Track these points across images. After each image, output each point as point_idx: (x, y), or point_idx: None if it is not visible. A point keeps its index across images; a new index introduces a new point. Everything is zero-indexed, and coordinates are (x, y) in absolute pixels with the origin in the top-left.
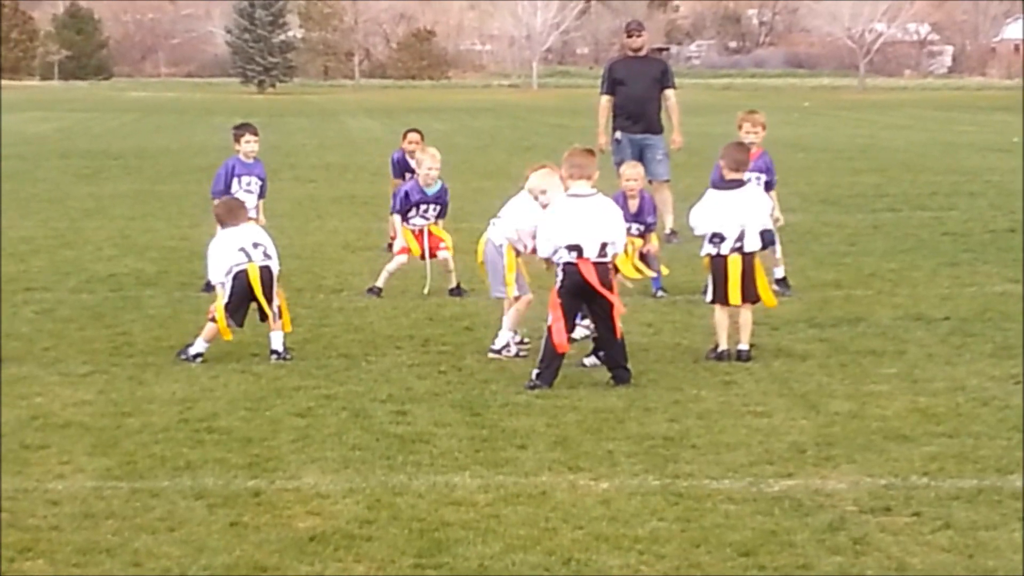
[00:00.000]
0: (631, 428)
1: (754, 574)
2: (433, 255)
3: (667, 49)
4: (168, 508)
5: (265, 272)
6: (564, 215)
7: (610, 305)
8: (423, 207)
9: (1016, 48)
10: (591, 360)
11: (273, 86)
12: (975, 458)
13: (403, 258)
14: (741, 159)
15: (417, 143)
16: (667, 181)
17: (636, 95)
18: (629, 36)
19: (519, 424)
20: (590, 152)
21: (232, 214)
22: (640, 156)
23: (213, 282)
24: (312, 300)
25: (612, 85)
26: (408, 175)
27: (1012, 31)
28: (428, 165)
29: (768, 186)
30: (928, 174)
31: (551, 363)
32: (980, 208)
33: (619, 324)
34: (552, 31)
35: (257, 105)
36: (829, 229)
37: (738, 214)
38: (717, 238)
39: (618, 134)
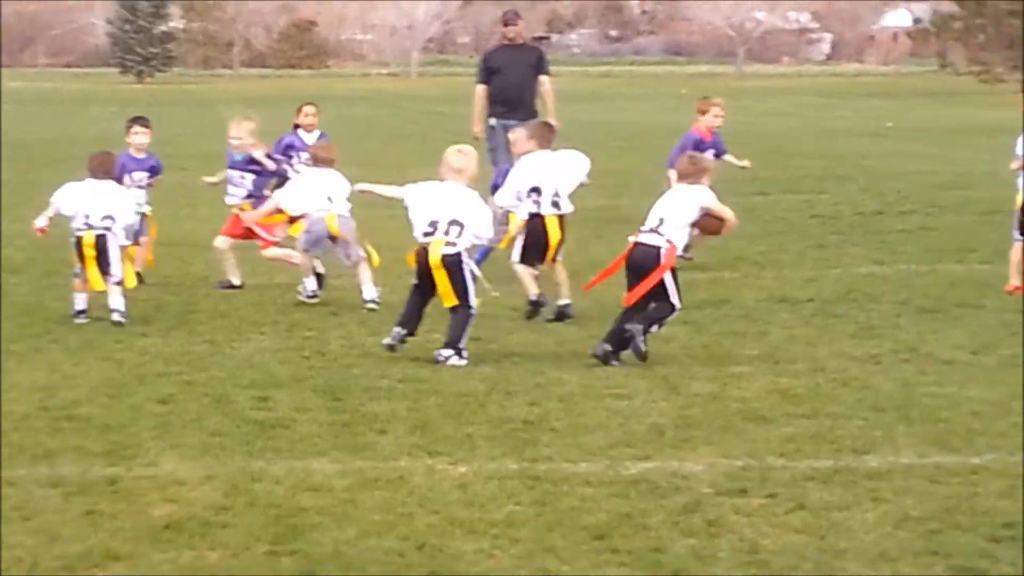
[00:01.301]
0: (491, 411)
1: (607, 557)
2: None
3: (548, 38)
4: (23, 497)
5: (100, 240)
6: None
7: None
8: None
9: (894, 36)
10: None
11: (152, 76)
12: (832, 438)
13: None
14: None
15: (314, 115)
16: None
17: (512, 83)
18: (506, 25)
19: (380, 409)
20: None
21: (104, 167)
22: None
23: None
24: (179, 287)
25: (488, 74)
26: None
27: (891, 19)
28: (233, 133)
29: (718, 155)
30: (801, 159)
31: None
32: (850, 192)
33: None
34: (434, 21)
35: (135, 95)
36: None
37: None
38: (535, 193)
39: (493, 121)
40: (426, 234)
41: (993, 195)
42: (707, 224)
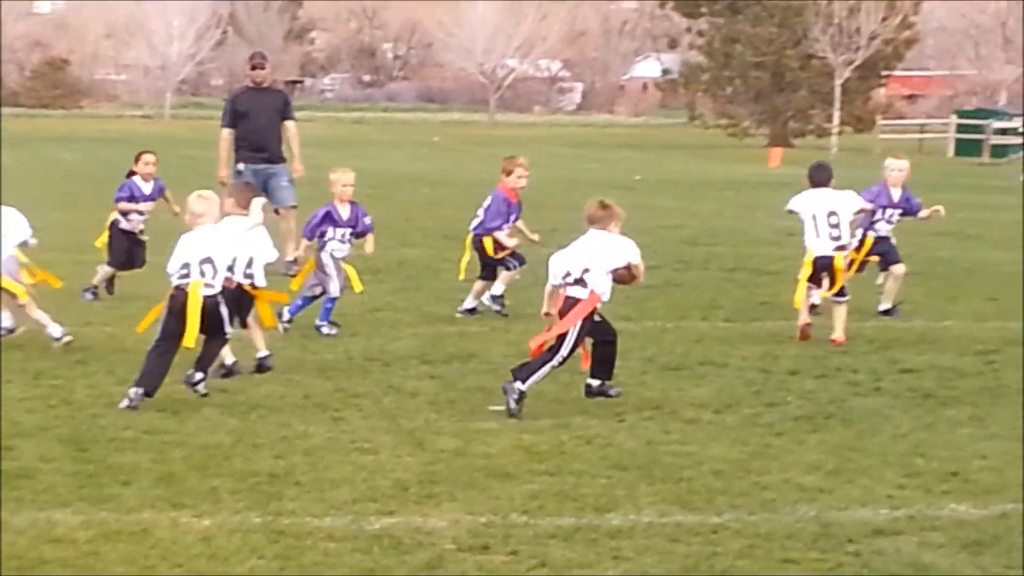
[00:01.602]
0: (237, 464)
1: None
2: None
3: (301, 82)
4: None
5: None
6: None
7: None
8: None
9: (644, 86)
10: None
11: None
12: (575, 496)
13: None
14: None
15: (153, 164)
16: (294, 208)
17: (258, 127)
18: (253, 69)
19: (125, 460)
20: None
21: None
22: (264, 186)
23: None
24: None
25: (234, 117)
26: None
27: (641, 69)
28: None
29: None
30: (551, 210)
31: None
32: None
33: None
34: (187, 62)
35: None
36: (448, 264)
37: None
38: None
39: (240, 165)
40: (182, 276)
41: (739, 251)
42: (621, 275)
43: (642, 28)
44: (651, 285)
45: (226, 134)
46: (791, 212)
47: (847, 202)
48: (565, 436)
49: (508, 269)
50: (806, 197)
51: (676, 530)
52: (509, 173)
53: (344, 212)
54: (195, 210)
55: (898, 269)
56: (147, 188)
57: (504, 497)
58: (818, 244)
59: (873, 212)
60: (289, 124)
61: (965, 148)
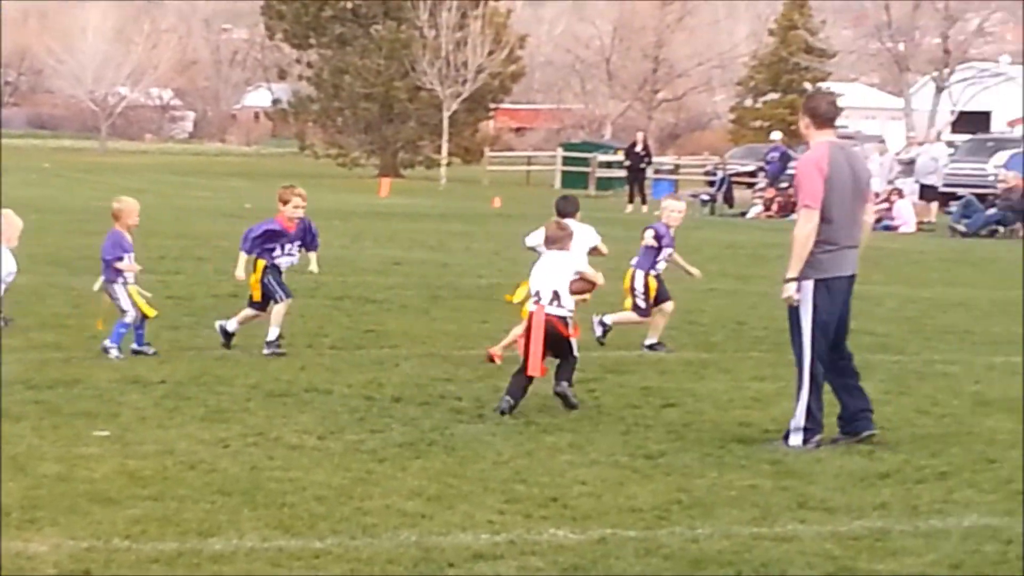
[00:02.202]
0: None
1: None
2: None
3: None
4: None
5: None
6: None
7: None
8: None
9: (256, 116)
10: None
11: None
12: (178, 521)
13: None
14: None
15: None
16: None
17: None
18: None
19: None
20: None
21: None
22: None
23: None
24: None
25: None
26: None
27: (252, 99)
28: None
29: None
30: (160, 238)
31: None
32: (205, 272)
33: None
34: None
35: None
36: (55, 291)
37: None
38: None
39: None
40: None
41: (346, 280)
42: (577, 287)
43: (253, 58)
44: None
45: None
46: (531, 248)
47: (585, 236)
48: (169, 461)
49: (276, 301)
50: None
51: (278, 555)
52: (286, 203)
53: None
54: None
55: (668, 306)
56: None
57: (107, 522)
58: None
59: (658, 251)
60: None
61: (571, 180)
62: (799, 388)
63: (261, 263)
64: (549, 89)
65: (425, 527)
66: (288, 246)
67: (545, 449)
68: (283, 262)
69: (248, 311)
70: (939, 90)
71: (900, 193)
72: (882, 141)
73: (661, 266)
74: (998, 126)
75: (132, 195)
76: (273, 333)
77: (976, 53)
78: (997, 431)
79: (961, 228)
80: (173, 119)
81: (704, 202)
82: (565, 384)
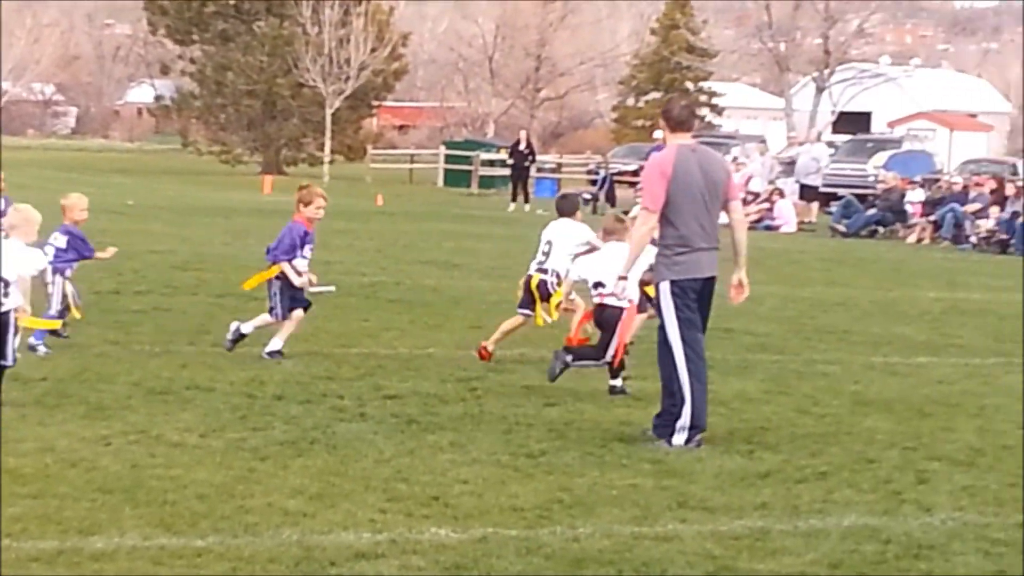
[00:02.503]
0: None
1: None
2: None
3: None
4: None
5: None
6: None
7: None
8: None
9: (139, 112)
10: None
11: None
12: (58, 519)
13: None
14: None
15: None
16: None
17: None
18: None
19: None
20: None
21: None
22: None
23: None
24: None
25: None
26: None
27: (136, 94)
28: None
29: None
30: (42, 234)
31: None
32: (87, 269)
33: None
34: None
35: None
36: None
37: None
38: None
39: None
40: None
41: (227, 277)
42: (648, 279)
43: (136, 54)
44: (139, 310)
45: None
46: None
47: (575, 233)
48: (50, 459)
49: (270, 312)
50: (549, 227)
51: (160, 553)
52: (308, 203)
53: None
54: None
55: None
56: None
57: None
58: (532, 265)
59: None
60: None
61: (454, 178)
62: (681, 390)
63: (277, 268)
64: (432, 87)
65: (307, 526)
66: (307, 247)
67: (427, 448)
68: (301, 264)
69: (266, 316)
70: (820, 90)
71: (781, 193)
72: (763, 141)
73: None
74: (879, 127)
75: (15, 191)
76: (247, 328)
77: (856, 54)
78: (876, 431)
79: (841, 228)
80: (56, 115)
81: (587, 201)
82: (570, 358)
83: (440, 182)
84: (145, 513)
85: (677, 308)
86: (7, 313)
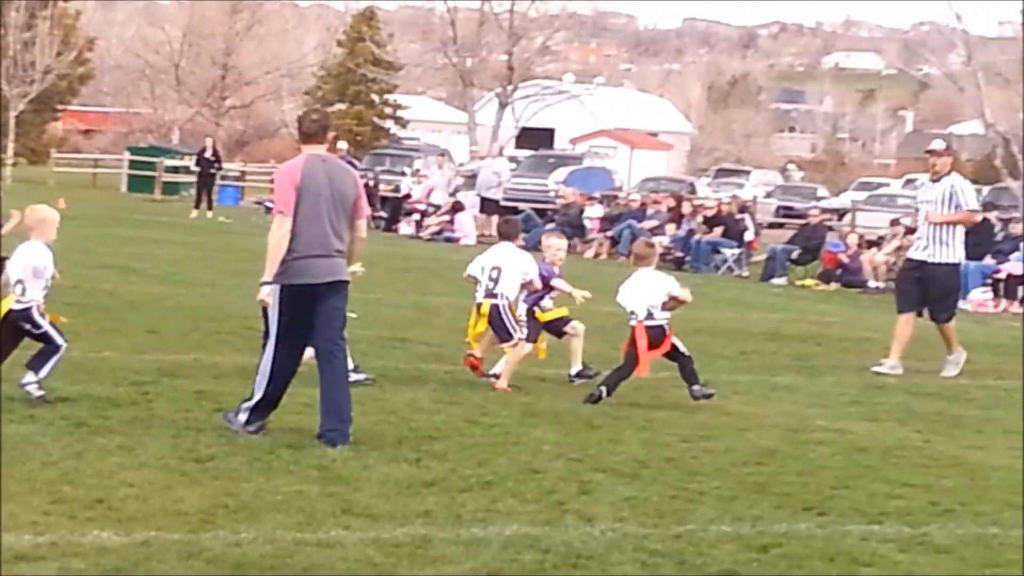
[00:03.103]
0: None
1: None
2: None
3: None
4: None
5: None
6: None
7: None
8: None
9: None
10: None
11: None
12: None
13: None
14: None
15: None
16: None
17: None
18: None
19: None
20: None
21: None
22: None
23: None
24: None
25: None
26: None
27: None
28: None
29: None
30: None
31: None
32: None
33: None
34: None
35: None
36: None
37: None
38: None
39: None
40: None
41: None
42: (670, 305)
43: None
44: None
45: None
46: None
47: (520, 260)
48: None
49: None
50: (492, 251)
51: None
52: None
53: None
54: None
55: (577, 327)
56: None
57: None
58: (478, 293)
59: (549, 288)
60: None
61: (138, 184)
62: (258, 382)
63: None
64: (118, 92)
65: None
66: None
67: (95, 451)
68: None
69: None
70: (503, 106)
71: (461, 206)
72: (442, 154)
73: (547, 303)
74: (561, 143)
75: None
76: None
77: (541, 71)
78: (543, 441)
79: (519, 242)
80: None
81: (268, 209)
82: (696, 388)
83: (123, 187)
84: None
85: (281, 312)
86: (29, 308)
